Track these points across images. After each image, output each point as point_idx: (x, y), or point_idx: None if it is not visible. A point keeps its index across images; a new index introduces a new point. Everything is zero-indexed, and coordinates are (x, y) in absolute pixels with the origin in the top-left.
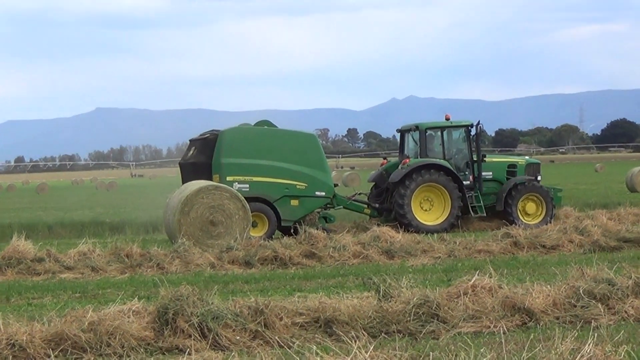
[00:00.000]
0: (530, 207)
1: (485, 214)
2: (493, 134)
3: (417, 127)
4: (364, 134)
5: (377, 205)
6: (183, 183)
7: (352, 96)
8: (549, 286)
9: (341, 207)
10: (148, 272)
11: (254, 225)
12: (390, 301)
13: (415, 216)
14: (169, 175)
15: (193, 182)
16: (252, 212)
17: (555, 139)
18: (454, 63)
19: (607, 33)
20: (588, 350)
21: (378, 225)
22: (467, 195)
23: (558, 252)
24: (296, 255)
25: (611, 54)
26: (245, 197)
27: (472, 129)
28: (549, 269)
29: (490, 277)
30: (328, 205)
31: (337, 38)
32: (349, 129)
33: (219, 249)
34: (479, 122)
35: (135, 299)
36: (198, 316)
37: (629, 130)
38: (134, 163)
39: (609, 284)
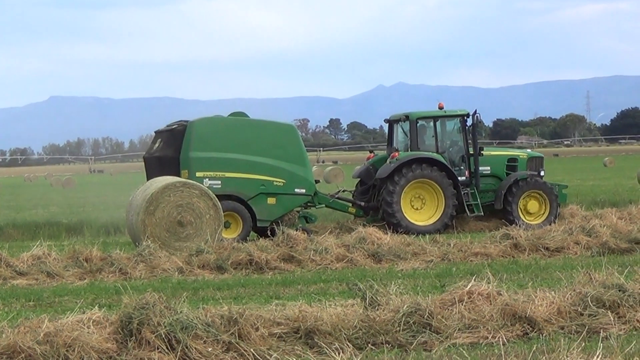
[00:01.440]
0: (533, 205)
1: (482, 213)
2: (491, 125)
3: (407, 117)
4: (347, 125)
5: (363, 204)
6: (148, 179)
7: (335, 83)
8: (553, 292)
9: (323, 205)
10: (109, 277)
11: (227, 226)
12: (377, 309)
13: (405, 216)
14: (132, 171)
15: (159, 178)
16: (224, 212)
17: (560, 130)
18: (446, 46)
19: (613, 12)
20: None
21: (364, 225)
22: (462, 193)
23: (563, 255)
24: (273, 259)
25: (620, 36)
26: (216, 195)
27: (467, 119)
28: (553, 274)
29: (488, 283)
30: (309, 204)
31: (317, 18)
32: (331, 119)
33: (187, 252)
34: (475, 111)
35: (96, 307)
36: (165, 326)
37: None
38: (93, 157)
39: (619, 290)
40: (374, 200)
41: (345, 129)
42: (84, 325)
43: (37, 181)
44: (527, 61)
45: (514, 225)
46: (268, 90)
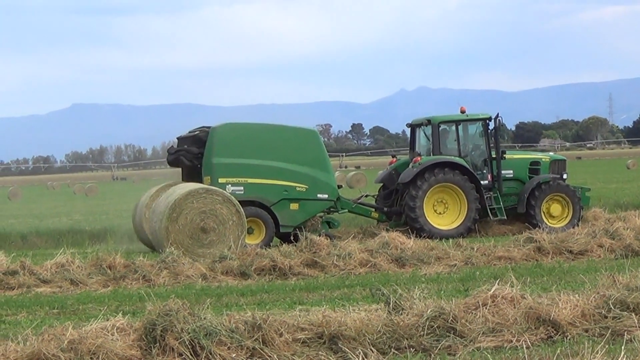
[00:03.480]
0: (556, 208)
1: (505, 217)
2: (513, 128)
3: (429, 121)
4: (370, 130)
5: (385, 209)
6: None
7: (357, 88)
8: (576, 295)
9: (346, 210)
10: (133, 285)
11: (250, 232)
12: (401, 314)
13: (428, 220)
14: (154, 178)
15: (181, 184)
16: (247, 218)
17: (582, 132)
18: (467, 49)
19: (635, 14)
20: None
21: (387, 230)
22: (485, 197)
23: (587, 257)
24: (297, 265)
25: None
26: (239, 201)
27: (490, 123)
28: (577, 277)
29: (512, 287)
30: (331, 209)
31: (337, 22)
32: (354, 124)
33: (211, 258)
34: (497, 114)
35: (120, 314)
36: (189, 333)
37: None
38: (116, 164)
39: None
40: (397, 205)
41: (368, 133)
42: (108, 332)
43: (60, 189)
44: (548, 64)
45: (537, 229)
46: (289, 95)
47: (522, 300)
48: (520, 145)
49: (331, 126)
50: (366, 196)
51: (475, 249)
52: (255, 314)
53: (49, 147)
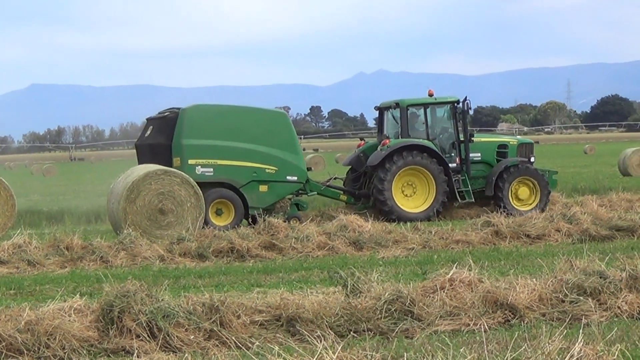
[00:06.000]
0: (523, 192)
1: (473, 200)
2: (471, 112)
3: (397, 105)
4: (328, 113)
5: (354, 191)
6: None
7: (315, 70)
8: (534, 280)
9: (315, 193)
10: (91, 266)
11: (219, 213)
12: (359, 297)
13: (397, 203)
14: (113, 159)
15: (140, 166)
16: (216, 199)
17: (540, 117)
18: (427, 33)
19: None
20: (578, 350)
21: (345, 213)
22: (453, 180)
23: (544, 242)
24: (254, 247)
25: (600, 23)
26: (209, 182)
27: (458, 106)
28: (534, 261)
29: (470, 270)
30: (300, 191)
31: (297, 5)
32: (312, 106)
33: (169, 240)
34: (465, 98)
35: (77, 295)
36: (146, 314)
37: (622, 107)
38: (74, 145)
39: (600, 277)
40: (365, 187)
41: (327, 116)
42: (65, 313)
43: (17, 169)
44: (507, 48)
45: (497, 211)
46: (249, 77)
47: (480, 284)
48: (478, 128)
49: (289, 109)
50: (335, 179)
51: (433, 233)
52: (212, 296)
53: (7, 127)
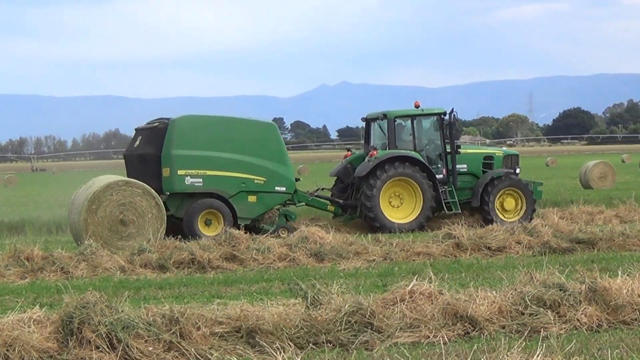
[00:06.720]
0: (509, 202)
1: (460, 211)
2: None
3: (385, 116)
4: (291, 124)
5: (341, 202)
6: (129, 177)
7: (278, 82)
8: (494, 292)
9: (303, 203)
10: (51, 277)
11: (208, 224)
12: (319, 309)
13: (384, 214)
14: (75, 170)
15: (101, 177)
16: (206, 210)
17: (503, 129)
18: (388, 46)
19: (552, 13)
20: None
21: (306, 225)
22: (440, 191)
23: (505, 254)
24: (215, 258)
25: (560, 36)
26: (198, 193)
27: (445, 117)
28: (495, 273)
29: (430, 282)
30: (288, 202)
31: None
32: (275, 118)
33: (130, 251)
34: (452, 109)
35: (37, 306)
36: (106, 325)
37: (583, 120)
38: (36, 156)
39: (560, 290)
40: (352, 198)
41: (289, 128)
42: (25, 324)
43: None
44: (468, 61)
45: (455, 225)
46: (211, 89)
47: (440, 296)
48: None
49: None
50: (322, 189)
51: (394, 245)
52: (173, 307)
53: None
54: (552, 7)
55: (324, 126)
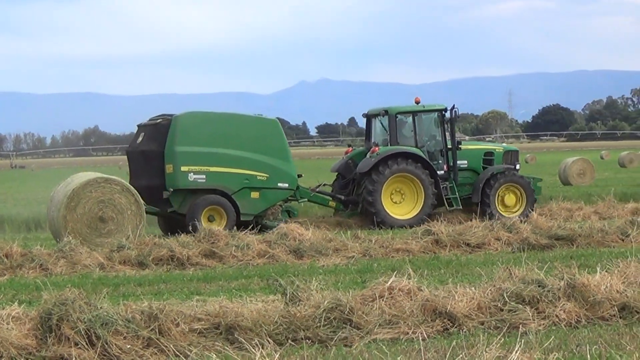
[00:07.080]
0: (510, 198)
1: (461, 207)
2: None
3: (386, 112)
4: None
5: (343, 198)
6: (131, 173)
7: (257, 79)
8: (473, 288)
9: (305, 199)
10: (30, 273)
11: (211, 220)
12: (298, 305)
13: (386, 209)
14: (54, 167)
15: (80, 174)
16: (209, 206)
17: (482, 126)
18: (368, 42)
19: (533, 10)
20: (515, 358)
21: (285, 221)
22: (441, 186)
23: (484, 251)
24: (195, 255)
25: (540, 33)
26: (201, 189)
27: (445, 114)
28: (474, 270)
29: (409, 279)
30: (290, 198)
31: (238, 14)
32: None
33: (109, 247)
34: (453, 106)
35: (16, 303)
36: (85, 322)
37: (562, 117)
38: (15, 153)
39: (538, 286)
40: (354, 194)
41: None
42: (3, 321)
43: None
44: (448, 58)
45: (434, 221)
46: (191, 86)
47: (419, 293)
48: None
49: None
50: (324, 185)
51: (373, 241)
52: (152, 303)
53: None
54: (532, 4)
55: (304, 123)
